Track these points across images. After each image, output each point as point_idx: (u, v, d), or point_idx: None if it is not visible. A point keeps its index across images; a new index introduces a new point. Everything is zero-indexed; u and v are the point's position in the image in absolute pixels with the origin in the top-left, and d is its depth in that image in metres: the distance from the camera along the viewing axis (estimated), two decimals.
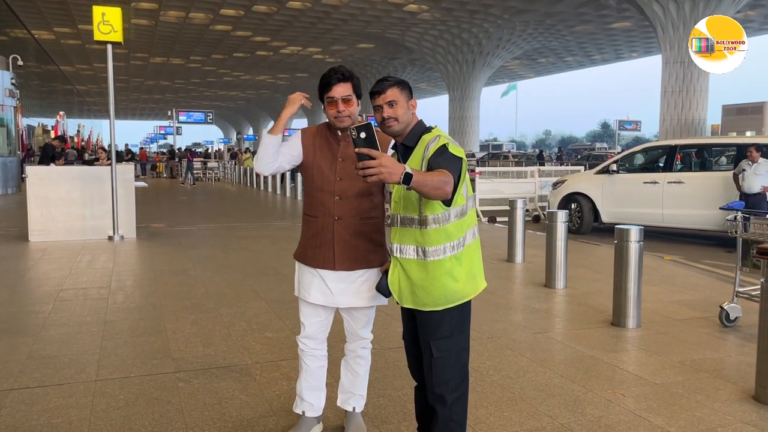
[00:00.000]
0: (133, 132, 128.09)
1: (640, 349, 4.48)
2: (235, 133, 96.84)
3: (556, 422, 3.21)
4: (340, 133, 2.75)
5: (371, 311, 2.91)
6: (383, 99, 2.42)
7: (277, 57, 49.98)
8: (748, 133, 33.95)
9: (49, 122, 54.86)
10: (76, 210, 9.62)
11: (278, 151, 2.76)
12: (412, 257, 2.40)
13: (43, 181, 9.52)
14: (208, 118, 39.94)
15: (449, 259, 2.39)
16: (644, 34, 37.77)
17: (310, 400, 2.96)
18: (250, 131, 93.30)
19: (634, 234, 5.05)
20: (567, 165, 28.61)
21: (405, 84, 2.48)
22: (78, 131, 67.45)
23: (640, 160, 12.78)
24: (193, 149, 33.01)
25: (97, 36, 9.09)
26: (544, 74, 64.10)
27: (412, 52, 45.45)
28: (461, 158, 2.36)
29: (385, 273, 2.54)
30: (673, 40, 25.37)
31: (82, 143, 58.38)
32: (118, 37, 9.12)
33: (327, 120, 2.79)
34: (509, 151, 49.79)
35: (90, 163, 12.98)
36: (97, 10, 8.99)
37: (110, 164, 9.81)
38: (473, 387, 3.71)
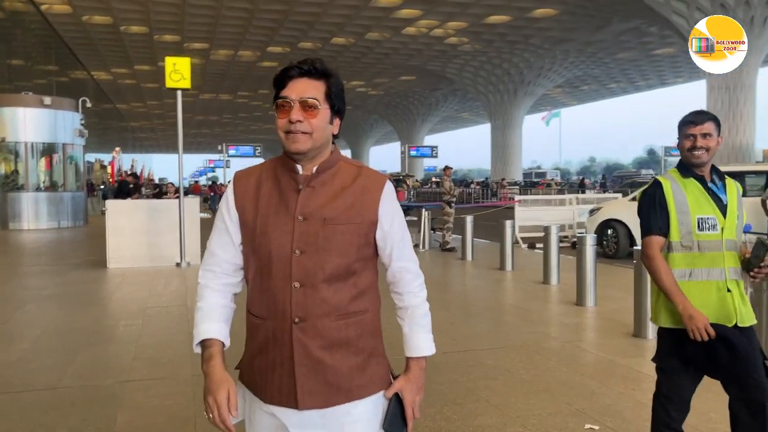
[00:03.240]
0: (185, 166, 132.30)
1: None
2: None
3: (572, 407, 3.85)
4: (300, 170, 1.69)
5: None
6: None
7: None
8: None
9: (105, 158, 57.63)
10: (148, 239, 10.64)
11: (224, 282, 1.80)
12: (739, 279, 2.70)
13: (120, 214, 10.61)
14: (257, 151, 41.47)
15: None
16: (689, 59, 37.69)
17: None
18: None
19: None
20: (610, 192, 28.80)
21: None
22: (132, 166, 70.58)
23: None
24: (217, 183, 34.72)
25: (169, 83, 10.19)
26: (587, 101, 64.28)
27: (453, 82, 46.45)
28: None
29: (396, 398, 1.74)
30: None
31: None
32: (186, 84, 10.21)
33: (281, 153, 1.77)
34: (552, 179, 49.84)
35: (159, 196, 14.15)
36: (169, 61, 10.12)
37: (178, 197, 10.85)
38: (506, 381, 4.37)
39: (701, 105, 26.47)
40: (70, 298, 7.75)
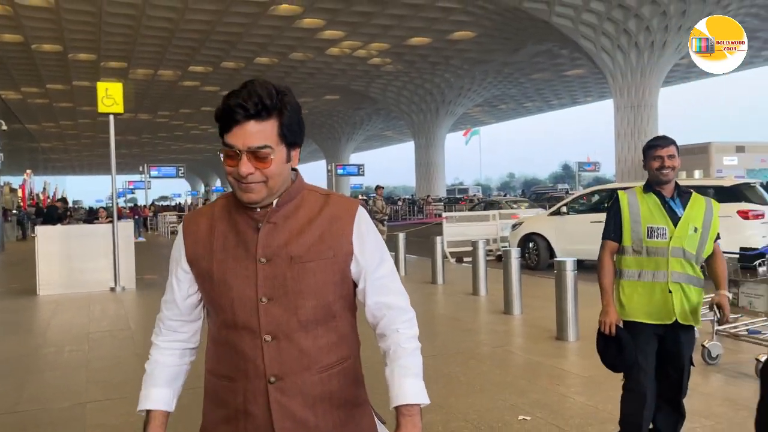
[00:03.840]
0: (101, 188, 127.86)
1: (575, 355, 5.64)
2: (203, 186, 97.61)
3: (507, 403, 4.33)
4: (258, 209, 1.50)
5: None
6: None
7: None
8: (696, 173, 36.15)
9: (15, 180, 54.90)
10: (80, 265, 10.50)
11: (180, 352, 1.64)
12: (684, 282, 3.07)
13: (51, 240, 10.43)
14: (180, 172, 40.75)
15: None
16: (597, 80, 40.20)
17: None
18: (218, 183, 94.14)
19: (569, 264, 6.25)
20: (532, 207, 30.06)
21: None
22: (44, 189, 67.47)
23: (589, 201, 14.16)
24: (138, 206, 34.29)
25: (101, 108, 10.17)
26: (505, 120, 66.75)
27: (376, 102, 47.28)
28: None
29: None
30: (623, 87, 27.33)
31: (48, 201, 58.34)
32: (119, 108, 10.23)
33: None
34: (474, 195, 51.33)
35: (90, 221, 13.90)
36: (101, 86, 10.12)
37: (110, 222, 10.78)
38: (446, 384, 4.79)
39: (610, 123, 28.27)
40: (4, 326, 7.63)
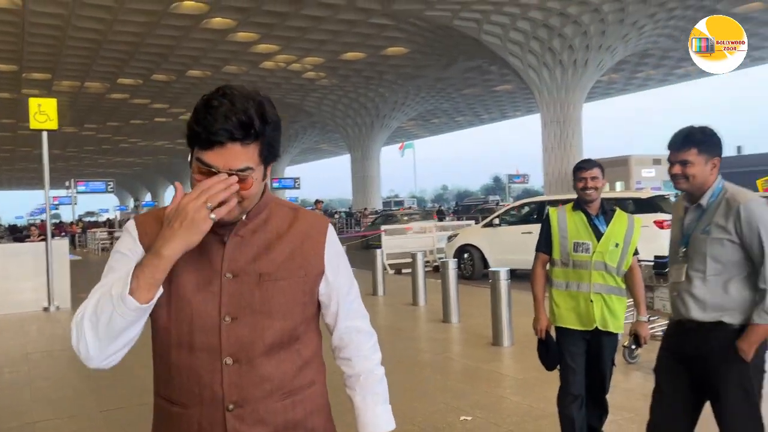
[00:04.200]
0: (21, 203, 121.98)
1: (510, 359, 6.02)
2: (133, 200, 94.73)
3: (449, 406, 4.62)
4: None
5: None
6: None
7: (176, 123, 50.15)
8: (617, 185, 37.89)
9: None
10: (10, 284, 10.19)
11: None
12: (605, 293, 3.36)
13: None
14: (109, 187, 39.59)
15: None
16: (525, 95, 41.54)
17: None
18: (148, 197, 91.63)
19: (503, 274, 6.65)
20: (462, 219, 30.79)
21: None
22: None
23: (520, 213, 14.77)
24: (63, 222, 33.23)
25: (33, 125, 9.93)
26: (438, 133, 68.09)
27: (312, 115, 47.36)
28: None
29: None
30: (549, 102, 28.48)
31: None
32: (53, 125, 10.02)
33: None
34: (410, 207, 51.99)
35: (21, 239, 13.46)
36: (33, 102, 9.89)
37: (43, 240, 10.52)
38: (391, 391, 5.02)
39: (537, 137, 29.41)
40: None
